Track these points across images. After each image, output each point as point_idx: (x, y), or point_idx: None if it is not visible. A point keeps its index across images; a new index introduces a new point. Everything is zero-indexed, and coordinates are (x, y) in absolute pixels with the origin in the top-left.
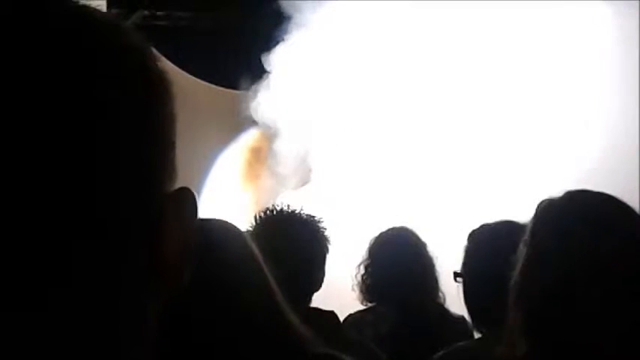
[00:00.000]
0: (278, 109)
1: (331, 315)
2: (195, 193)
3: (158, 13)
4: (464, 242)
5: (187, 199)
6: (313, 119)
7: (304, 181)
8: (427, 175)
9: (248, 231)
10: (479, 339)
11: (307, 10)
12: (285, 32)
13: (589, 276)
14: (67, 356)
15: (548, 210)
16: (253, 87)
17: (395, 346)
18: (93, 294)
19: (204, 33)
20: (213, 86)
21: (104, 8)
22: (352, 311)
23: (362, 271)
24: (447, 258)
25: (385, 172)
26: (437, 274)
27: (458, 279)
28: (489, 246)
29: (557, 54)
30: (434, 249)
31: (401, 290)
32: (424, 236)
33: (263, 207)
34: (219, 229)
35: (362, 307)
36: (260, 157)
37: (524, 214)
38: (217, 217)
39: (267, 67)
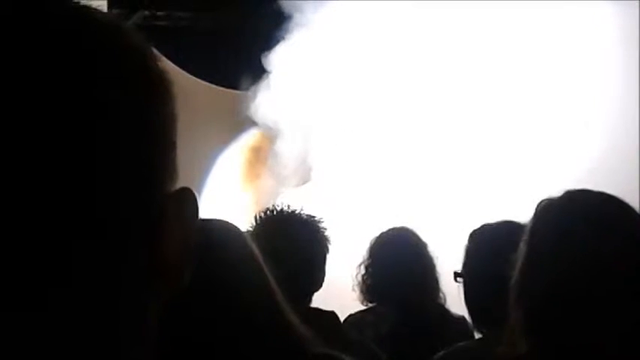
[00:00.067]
0: (278, 109)
1: (331, 315)
2: (196, 193)
3: (158, 13)
4: (464, 242)
5: (188, 199)
6: (314, 119)
7: (304, 181)
8: (427, 175)
9: (248, 231)
10: (479, 339)
11: (308, 10)
12: (286, 32)
13: (590, 276)
14: (67, 356)
15: (548, 210)
16: (253, 87)
17: (395, 346)
18: (93, 294)
19: (204, 33)
20: (213, 86)
21: (105, 8)
22: (352, 311)
23: (362, 271)
24: (448, 258)
25: (385, 172)
26: (437, 274)
27: (458, 279)
28: (490, 246)
29: (557, 54)
30: (434, 249)
31: (401, 290)
32: (424, 236)
33: (263, 207)
34: (220, 229)
35: (362, 308)
36: (260, 157)
37: (524, 214)
38: (217, 217)
39: (267, 67)
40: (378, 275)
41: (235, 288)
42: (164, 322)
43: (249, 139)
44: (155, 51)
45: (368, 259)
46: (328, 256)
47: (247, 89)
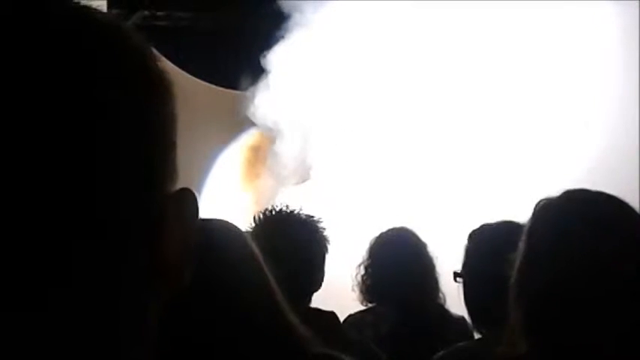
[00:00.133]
0: (278, 109)
1: (331, 315)
2: (196, 193)
3: (158, 13)
4: (464, 242)
5: (188, 199)
6: (313, 119)
7: (304, 180)
8: (427, 175)
9: (248, 231)
10: (479, 339)
11: (308, 10)
12: (286, 32)
13: (588, 276)
14: (67, 356)
15: (547, 209)
16: (253, 87)
17: (395, 347)
18: (93, 294)
19: (204, 33)
20: (213, 86)
21: (104, 8)
22: (352, 311)
23: (362, 271)
24: (447, 258)
25: (385, 172)
26: (437, 274)
27: (458, 279)
28: (489, 246)
29: (557, 54)
30: (434, 249)
31: (401, 290)
32: (424, 236)
33: (263, 207)
34: (220, 229)
35: (362, 308)
36: (260, 156)
37: (524, 214)
38: (217, 217)
39: (266, 67)
40: (378, 275)
41: (235, 288)
42: (164, 322)
43: (248, 138)
44: (155, 51)
45: (368, 259)
46: (328, 256)
47: (247, 89)
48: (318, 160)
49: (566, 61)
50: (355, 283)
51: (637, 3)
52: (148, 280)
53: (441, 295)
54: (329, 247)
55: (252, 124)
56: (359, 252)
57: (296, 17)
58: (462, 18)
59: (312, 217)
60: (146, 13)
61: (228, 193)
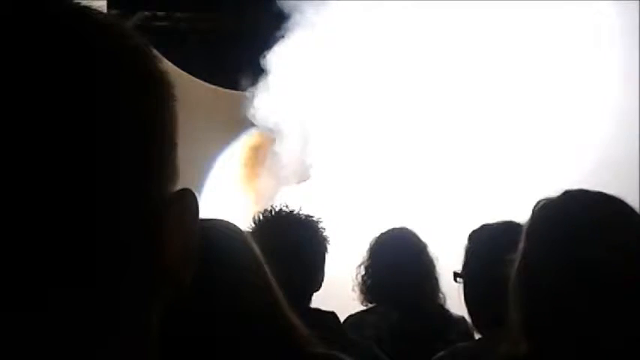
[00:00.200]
0: (278, 110)
1: (331, 315)
2: (196, 193)
3: (158, 13)
4: (464, 243)
5: (189, 200)
6: (313, 119)
7: (304, 180)
8: (427, 175)
9: (248, 231)
10: (479, 339)
11: (308, 10)
12: (285, 32)
13: (589, 276)
14: (67, 356)
15: (546, 209)
16: (253, 87)
17: (395, 346)
18: (93, 294)
19: (204, 33)
20: (213, 86)
21: (104, 9)
22: (352, 311)
23: (362, 271)
24: (447, 258)
25: (385, 172)
26: (437, 274)
27: (458, 279)
28: (489, 246)
29: (558, 53)
30: (434, 249)
31: (401, 291)
32: (424, 237)
33: (262, 207)
34: (220, 229)
35: (362, 308)
36: (260, 156)
37: (524, 214)
38: (217, 217)
39: (266, 67)
40: (378, 275)
41: (235, 288)
42: (165, 322)
43: (248, 139)
44: (155, 51)
45: (368, 259)
46: (328, 256)
47: (247, 89)
48: (318, 160)
49: (566, 61)
50: (355, 283)
51: (637, 3)
52: (149, 280)
53: (441, 295)
54: (329, 247)
55: (252, 124)
56: (359, 252)
57: (296, 17)
58: (462, 18)
59: (312, 217)
60: (146, 13)
61: (228, 193)
